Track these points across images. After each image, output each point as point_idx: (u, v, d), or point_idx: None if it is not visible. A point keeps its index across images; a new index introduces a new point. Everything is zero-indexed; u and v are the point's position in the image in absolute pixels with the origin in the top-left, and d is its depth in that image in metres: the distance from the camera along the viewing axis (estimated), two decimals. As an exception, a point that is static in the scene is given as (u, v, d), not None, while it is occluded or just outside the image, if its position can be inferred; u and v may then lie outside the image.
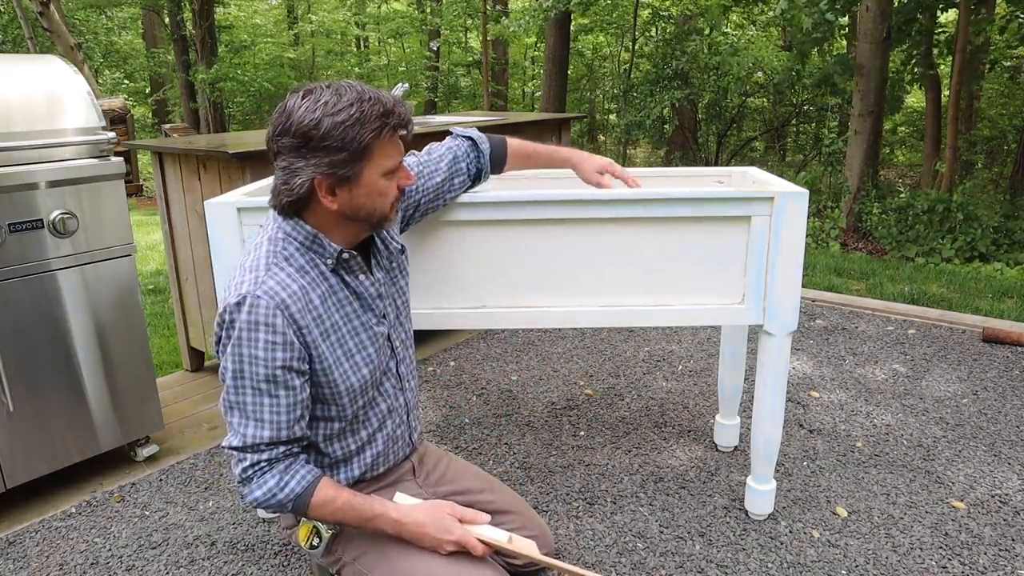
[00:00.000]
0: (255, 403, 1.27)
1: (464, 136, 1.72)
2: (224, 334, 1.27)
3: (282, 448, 1.30)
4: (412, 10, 17.07)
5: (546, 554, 1.68)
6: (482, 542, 1.34)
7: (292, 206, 1.29)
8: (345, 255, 1.33)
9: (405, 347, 1.52)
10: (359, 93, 1.23)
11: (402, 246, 1.54)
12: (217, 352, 1.30)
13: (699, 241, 1.77)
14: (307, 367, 1.30)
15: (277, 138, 1.24)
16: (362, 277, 1.38)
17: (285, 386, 1.27)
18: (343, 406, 1.37)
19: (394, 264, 1.50)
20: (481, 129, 1.76)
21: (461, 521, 1.36)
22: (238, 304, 1.24)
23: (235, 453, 1.29)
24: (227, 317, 1.26)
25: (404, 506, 1.36)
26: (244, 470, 1.28)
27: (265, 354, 1.24)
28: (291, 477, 1.29)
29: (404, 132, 1.27)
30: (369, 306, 1.40)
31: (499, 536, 1.35)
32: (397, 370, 1.49)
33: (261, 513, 2.10)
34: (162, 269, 5.35)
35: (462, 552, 1.36)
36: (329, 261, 1.33)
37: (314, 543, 1.38)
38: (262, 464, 1.28)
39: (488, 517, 1.40)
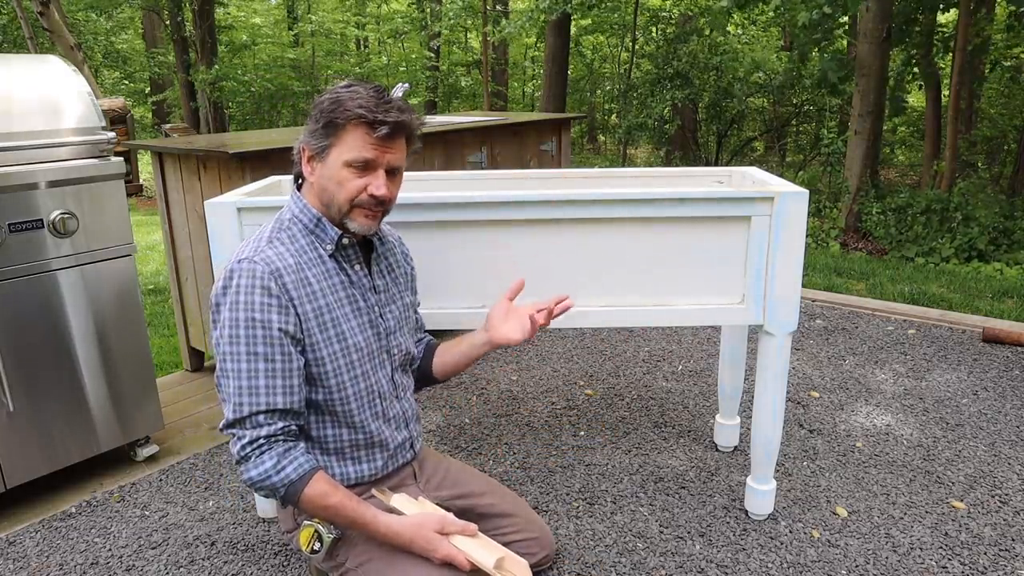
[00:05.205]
0: (251, 369, 1.26)
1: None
2: (221, 300, 1.28)
3: (280, 424, 1.28)
4: (412, 10, 17.06)
5: (546, 556, 1.69)
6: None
7: (298, 175, 1.39)
8: (345, 240, 1.37)
9: (404, 357, 1.53)
10: (366, 88, 1.30)
11: (412, 265, 1.60)
12: (213, 322, 1.31)
13: (699, 241, 1.77)
14: (301, 336, 1.31)
15: None
16: (357, 267, 1.41)
17: (282, 351, 1.27)
18: (329, 388, 1.36)
19: (399, 277, 1.53)
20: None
21: (452, 533, 1.35)
22: (235, 269, 1.28)
23: (234, 430, 1.28)
24: (224, 282, 1.28)
25: (393, 521, 1.34)
26: (243, 447, 1.27)
27: (262, 315, 1.26)
28: (289, 462, 1.28)
29: (375, 131, 1.28)
30: (363, 296, 1.41)
31: (486, 560, 1.33)
32: (392, 377, 1.48)
33: (260, 512, 2.10)
34: (162, 269, 5.35)
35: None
36: (329, 246, 1.36)
37: (315, 547, 1.37)
38: (260, 442, 1.27)
39: (475, 528, 1.39)
